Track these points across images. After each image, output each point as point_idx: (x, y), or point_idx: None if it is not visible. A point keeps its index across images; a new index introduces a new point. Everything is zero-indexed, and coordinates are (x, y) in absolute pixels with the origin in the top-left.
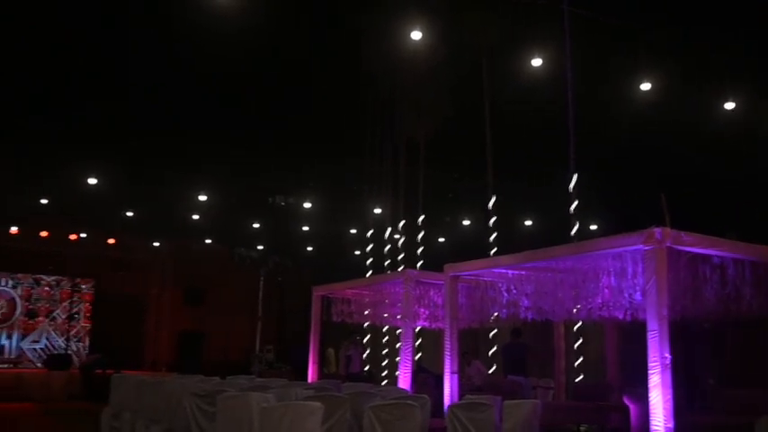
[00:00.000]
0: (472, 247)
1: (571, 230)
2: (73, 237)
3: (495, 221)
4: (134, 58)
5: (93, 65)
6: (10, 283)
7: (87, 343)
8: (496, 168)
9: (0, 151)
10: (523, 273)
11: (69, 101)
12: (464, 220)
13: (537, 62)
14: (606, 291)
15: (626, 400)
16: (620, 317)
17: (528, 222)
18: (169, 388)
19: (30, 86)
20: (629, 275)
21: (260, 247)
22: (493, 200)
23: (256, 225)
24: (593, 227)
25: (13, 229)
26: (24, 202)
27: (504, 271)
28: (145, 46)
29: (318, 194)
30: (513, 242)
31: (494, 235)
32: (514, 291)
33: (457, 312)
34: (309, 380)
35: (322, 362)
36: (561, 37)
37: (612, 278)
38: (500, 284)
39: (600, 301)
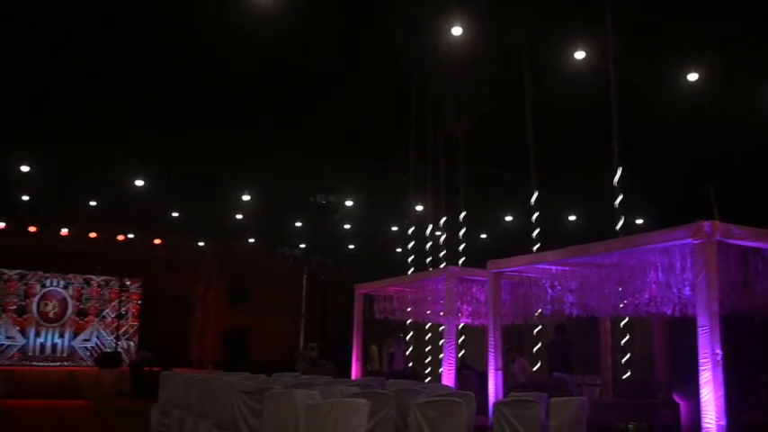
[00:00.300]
0: (515, 243)
1: (616, 225)
2: (120, 237)
3: (537, 217)
4: (177, 60)
5: (137, 66)
6: (61, 283)
7: (136, 341)
8: (539, 163)
9: (50, 154)
10: (568, 268)
11: (116, 102)
12: (506, 215)
13: (580, 55)
14: (654, 286)
15: (676, 398)
16: (669, 312)
17: (572, 217)
18: (216, 385)
19: (74, 88)
20: (677, 270)
21: (302, 246)
22: (535, 195)
23: (298, 224)
24: (639, 221)
25: (64, 231)
26: (74, 205)
27: (547, 267)
28: (188, 46)
29: (360, 192)
30: (556, 238)
31: (537, 230)
32: (559, 287)
33: (500, 309)
34: (353, 377)
35: (365, 359)
36: (603, 28)
37: (660, 273)
38: (544, 280)
39: (647, 296)
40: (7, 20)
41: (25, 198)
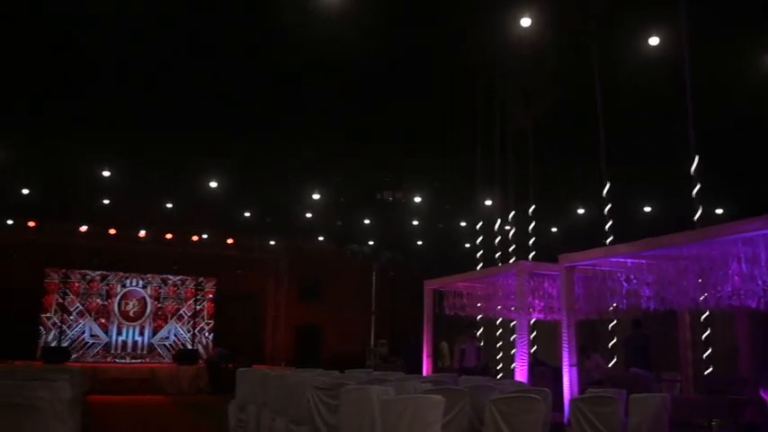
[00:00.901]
0: (586, 237)
1: (694, 216)
2: (195, 238)
3: (610, 209)
4: (251, 63)
5: (211, 71)
6: (140, 283)
7: (211, 339)
8: (610, 154)
9: (128, 159)
10: (644, 261)
11: (189, 107)
12: (577, 208)
13: (654, 41)
14: (737, 278)
15: (762, 394)
16: (754, 305)
17: (647, 209)
18: (291, 381)
19: (151, 94)
20: (762, 261)
21: (371, 243)
22: (607, 186)
23: (367, 221)
24: (719, 211)
25: (142, 233)
26: (150, 207)
27: (622, 260)
28: (260, 49)
29: (427, 188)
30: (630, 230)
31: (609, 223)
32: (634, 280)
33: (574, 304)
34: (424, 373)
35: (436, 355)
36: (676, 13)
37: (744, 265)
38: (619, 274)
39: (730, 289)
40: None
41: (106, 202)
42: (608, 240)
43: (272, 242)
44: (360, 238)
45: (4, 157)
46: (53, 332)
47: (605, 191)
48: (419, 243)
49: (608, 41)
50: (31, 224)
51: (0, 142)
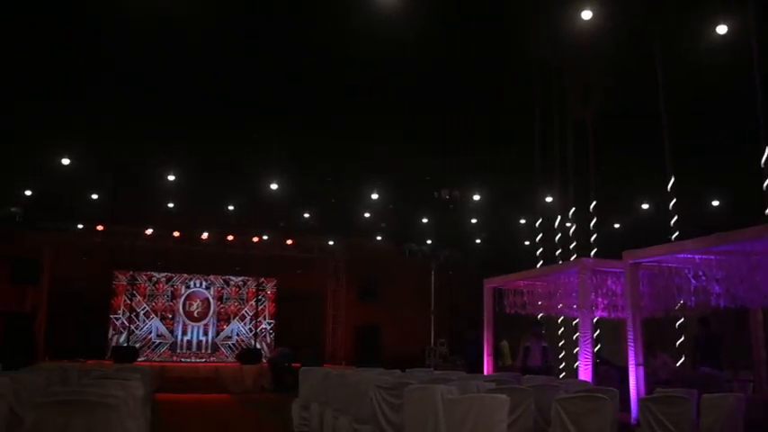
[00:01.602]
0: (651, 232)
1: (766, 209)
2: (255, 239)
3: (675, 203)
4: (306, 65)
5: (264, 72)
6: (203, 284)
7: (272, 338)
8: (675, 146)
9: (191, 164)
10: (713, 257)
11: (247, 109)
12: (640, 203)
13: (722, 29)
14: None
15: None
16: None
17: (714, 203)
18: (354, 380)
19: (214, 97)
20: None
21: (429, 242)
22: (672, 180)
23: (425, 220)
24: None
25: (204, 235)
26: (212, 210)
27: (689, 256)
28: (319, 49)
29: (485, 186)
30: (697, 225)
31: (675, 218)
32: (703, 277)
33: (639, 301)
34: (485, 372)
35: (496, 354)
36: None
37: None
38: (686, 270)
39: None
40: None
41: (170, 205)
42: (673, 236)
43: (331, 242)
44: (418, 237)
45: (75, 163)
46: (122, 332)
47: (670, 185)
48: (477, 241)
49: (672, 31)
50: (100, 228)
51: (69, 147)
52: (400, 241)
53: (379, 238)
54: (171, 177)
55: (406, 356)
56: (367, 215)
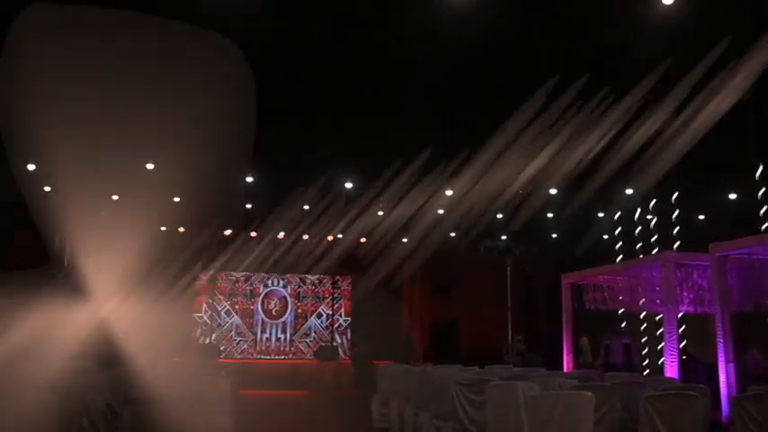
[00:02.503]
0: (738, 224)
1: None
2: (330, 238)
3: (765, 193)
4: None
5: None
6: (281, 282)
7: (349, 335)
8: (764, 132)
9: (267, 164)
10: None
11: (318, 108)
12: (727, 193)
13: None
14: None
15: None
16: None
17: None
18: (434, 377)
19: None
20: None
21: (504, 238)
22: (761, 168)
23: (500, 215)
24: None
25: (280, 235)
26: (288, 209)
27: None
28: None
29: (561, 180)
30: None
31: (765, 207)
32: None
33: (728, 295)
34: (565, 369)
35: (576, 352)
36: None
37: None
38: None
39: None
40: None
41: (248, 206)
42: (763, 226)
43: (405, 239)
44: (493, 233)
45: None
46: (205, 330)
47: (758, 173)
48: (554, 236)
49: (752, 16)
50: (181, 230)
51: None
52: (476, 237)
53: (453, 234)
54: (249, 179)
55: (483, 353)
56: (441, 212)
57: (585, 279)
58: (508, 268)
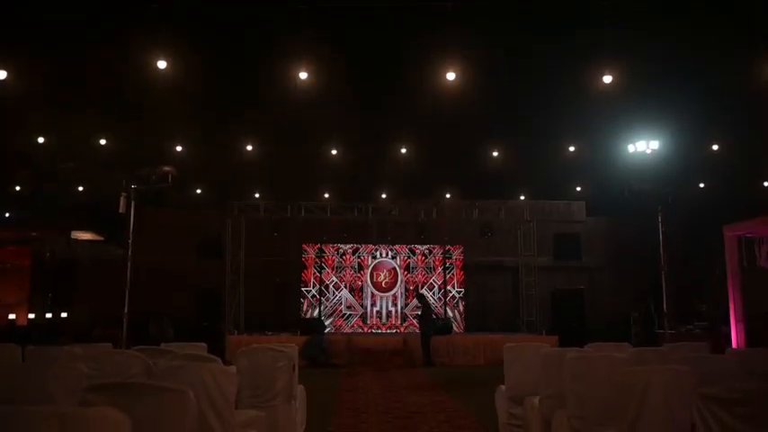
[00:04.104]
0: None
1: None
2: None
3: None
4: None
5: None
6: (389, 254)
7: (463, 307)
8: None
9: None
10: None
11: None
12: None
13: None
14: None
15: None
16: None
17: None
18: (624, 375)
19: None
20: None
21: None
22: None
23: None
24: None
25: (388, 206)
26: (393, 178)
27: None
28: None
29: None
30: None
31: None
32: None
33: None
34: (733, 345)
35: None
36: None
37: None
38: None
39: None
40: None
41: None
42: None
43: (522, 197)
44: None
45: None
46: (313, 305)
47: None
48: (701, 186)
49: None
50: (286, 204)
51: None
52: (599, 192)
53: (579, 188)
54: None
55: (614, 322)
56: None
57: (756, 230)
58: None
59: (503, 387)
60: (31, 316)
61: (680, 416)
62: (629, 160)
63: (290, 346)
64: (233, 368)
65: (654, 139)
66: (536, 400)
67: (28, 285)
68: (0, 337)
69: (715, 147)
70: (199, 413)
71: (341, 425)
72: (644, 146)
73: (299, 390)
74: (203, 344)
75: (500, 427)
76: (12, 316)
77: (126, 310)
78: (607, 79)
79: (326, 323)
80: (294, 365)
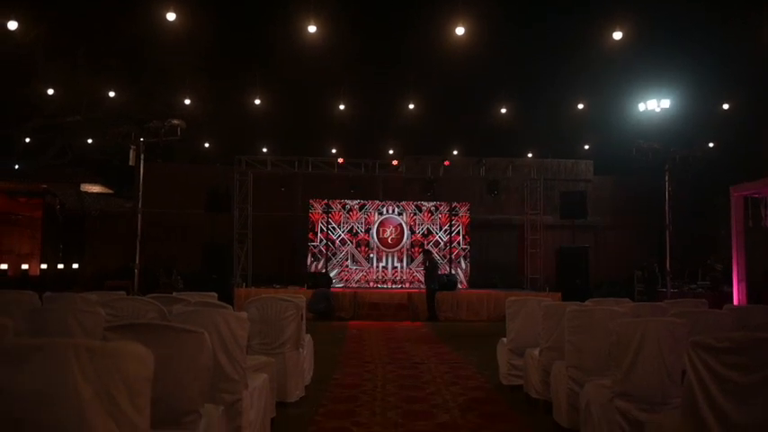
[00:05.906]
0: None
1: None
2: (446, 163)
3: None
4: None
5: None
6: (396, 210)
7: (467, 264)
8: None
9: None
10: None
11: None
12: None
13: None
14: None
15: None
16: None
17: None
18: (622, 325)
19: None
20: None
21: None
22: None
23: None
24: None
25: (395, 161)
26: (399, 135)
27: None
28: None
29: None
30: None
31: None
32: None
33: None
34: (734, 302)
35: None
36: None
37: None
38: None
39: None
40: None
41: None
42: None
43: (529, 155)
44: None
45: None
46: (320, 260)
47: None
48: (710, 145)
49: None
50: (294, 159)
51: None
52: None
53: (587, 147)
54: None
55: (618, 281)
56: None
57: (765, 191)
58: (666, 174)
59: (504, 339)
60: (44, 266)
61: (672, 364)
62: (638, 119)
63: (297, 296)
64: (244, 314)
65: (665, 97)
66: (536, 351)
67: (40, 237)
68: (15, 286)
69: (725, 106)
70: (213, 355)
71: (346, 373)
72: (655, 104)
73: (307, 339)
74: (214, 293)
75: (501, 377)
76: (24, 266)
77: (137, 261)
78: (617, 36)
79: (332, 277)
80: (302, 315)
